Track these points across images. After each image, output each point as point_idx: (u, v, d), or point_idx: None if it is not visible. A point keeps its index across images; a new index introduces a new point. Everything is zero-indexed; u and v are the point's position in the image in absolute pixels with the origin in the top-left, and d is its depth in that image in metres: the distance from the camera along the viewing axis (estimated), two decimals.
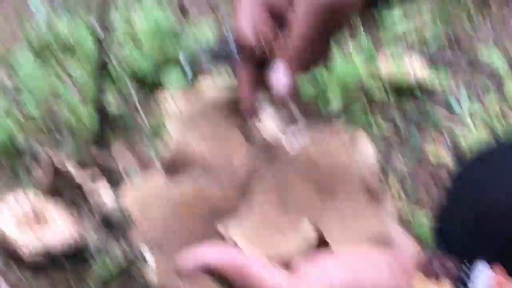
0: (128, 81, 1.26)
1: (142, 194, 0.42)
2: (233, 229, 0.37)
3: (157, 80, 1.27)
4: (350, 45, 1.28)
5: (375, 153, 0.41)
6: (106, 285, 0.87)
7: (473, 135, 1.17)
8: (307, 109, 0.46)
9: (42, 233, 0.87)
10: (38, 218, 0.90)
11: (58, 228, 0.88)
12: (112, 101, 1.18)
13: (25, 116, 1.13)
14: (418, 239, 0.96)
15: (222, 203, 0.40)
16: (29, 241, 0.86)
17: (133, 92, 1.27)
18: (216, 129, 0.44)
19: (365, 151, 0.41)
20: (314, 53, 0.44)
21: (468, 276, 0.35)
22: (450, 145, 1.21)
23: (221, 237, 0.37)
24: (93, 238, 0.90)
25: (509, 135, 1.12)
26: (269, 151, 0.41)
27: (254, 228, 0.38)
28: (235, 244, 0.36)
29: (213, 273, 0.36)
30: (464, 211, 0.59)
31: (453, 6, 1.47)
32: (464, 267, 0.36)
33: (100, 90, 1.05)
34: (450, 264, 0.36)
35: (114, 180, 1.04)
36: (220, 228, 0.38)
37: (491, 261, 0.52)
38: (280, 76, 0.42)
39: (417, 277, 0.35)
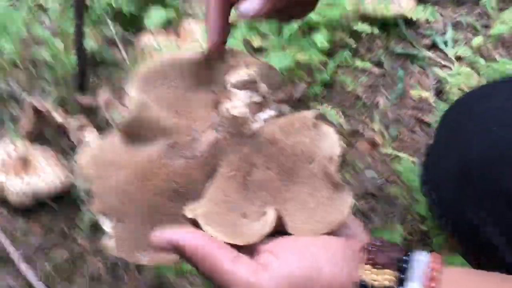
0: (110, 22, 1.23)
1: (100, 156, 0.40)
2: (196, 209, 0.37)
3: (138, 21, 1.24)
4: None
5: (339, 143, 0.41)
6: (95, 226, 0.89)
7: (458, 75, 1.17)
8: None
9: (29, 178, 0.88)
10: (25, 164, 0.90)
11: (45, 173, 0.89)
12: (93, 43, 1.16)
13: (7, 63, 1.11)
14: (404, 185, 0.99)
15: (184, 177, 0.39)
16: (16, 185, 0.87)
17: (114, 31, 1.24)
18: (181, 92, 0.43)
19: (330, 138, 0.41)
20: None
21: (407, 263, 0.37)
22: (434, 85, 1.22)
23: (183, 216, 0.38)
24: (82, 184, 0.91)
25: (493, 74, 1.12)
26: (235, 125, 0.41)
27: (216, 208, 0.38)
28: (198, 225, 0.36)
29: (180, 254, 0.37)
30: (449, 160, 0.58)
31: None
32: (405, 256, 0.37)
33: (80, 34, 1.02)
34: (393, 254, 0.37)
35: (100, 125, 1.04)
36: (184, 209, 0.38)
37: (476, 211, 0.53)
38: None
39: (365, 264, 0.37)
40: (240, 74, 0.43)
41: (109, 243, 0.38)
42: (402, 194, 0.97)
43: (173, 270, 0.82)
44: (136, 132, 0.40)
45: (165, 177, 0.39)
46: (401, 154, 1.03)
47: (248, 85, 0.43)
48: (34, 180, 0.88)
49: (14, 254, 0.83)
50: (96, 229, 0.89)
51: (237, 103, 0.41)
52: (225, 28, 0.47)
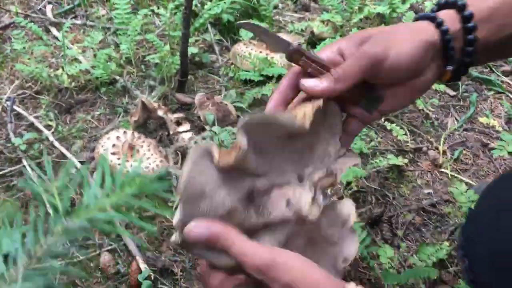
0: (211, 30, 1.41)
1: (196, 180, 0.51)
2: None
3: (234, 30, 1.40)
4: None
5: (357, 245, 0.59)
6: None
7: None
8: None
9: (134, 161, 1.08)
10: (132, 149, 1.10)
11: (147, 159, 1.08)
12: (194, 48, 1.34)
13: (123, 61, 1.32)
14: (456, 204, 1.07)
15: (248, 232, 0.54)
16: (124, 166, 1.07)
17: (213, 38, 1.41)
18: (277, 150, 0.56)
19: (353, 244, 0.59)
20: (351, 90, 0.60)
21: None
22: (506, 113, 1.26)
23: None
24: (175, 170, 1.10)
25: None
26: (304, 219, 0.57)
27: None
28: None
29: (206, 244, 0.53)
30: (487, 240, 0.70)
31: None
32: None
33: (186, 41, 1.19)
34: None
35: (193, 120, 1.22)
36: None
37: None
38: (321, 81, 0.59)
39: None
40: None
41: (175, 233, 0.54)
42: (455, 214, 1.05)
43: None
44: (233, 171, 0.52)
45: (236, 223, 0.53)
46: (460, 176, 1.10)
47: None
48: (138, 163, 1.07)
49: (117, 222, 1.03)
50: None
51: (314, 211, 0.57)
52: (288, 95, 0.60)
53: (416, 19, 0.65)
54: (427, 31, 0.62)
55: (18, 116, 1.24)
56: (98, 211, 0.40)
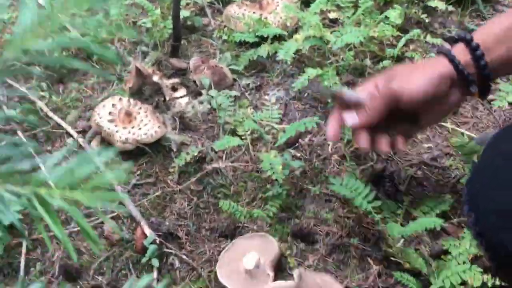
0: None
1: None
2: None
3: None
4: None
5: None
6: (183, 172, 1.06)
7: None
8: None
9: (132, 128, 1.06)
10: (129, 116, 1.08)
11: (144, 125, 1.07)
12: (186, 12, 1.30)
13: (113, 27, 1.29)
14: (457, 157, 1.07)
15: None
16: (122, 133, 1.06)
17: (204, 0, 1.38)
18: None
19: None
20: (379, 126, 0.83)
21: None
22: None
23: None
24: (174, 136, 1.08)
25: None
26: None
27: None
28: None
29: None
30: (493, 193, 0.71)
31: None
32: None
33: (177, 4, 1.16)
34: None
35: (189, 85, 1.20)
36: None
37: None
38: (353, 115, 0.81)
39: None
40: None
41: None
42: (456, 166, 1.05)
43: (245, 215, 0.97)
44: None
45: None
46: (459, 129, 1.10)
47: None
48: (135, 129, 1.06)
49: (118, 188, 1.02)
50: (183, 174, 1.06)
51: None
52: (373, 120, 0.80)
53: (437, 53, 0.83)
54: (443, 65, 0.79)
55: (10, 88, 1.22)
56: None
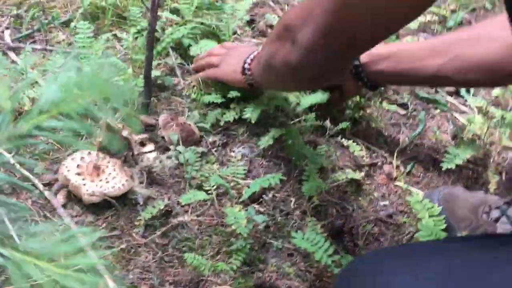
0: (172, 53, 1.44)
1: None
2: None
3: (194, 51, 1.44)
4: None
5: None
6: (148, 226, 1.08)
7: (473, 123, 1.31)
8: None
9: (100, 181, 1.09)
10: (97, 169, 1.11)
11: (112, 179, 1.09)
12: (156, 71, 1.37)
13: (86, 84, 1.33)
14: (411, 214, 1.14)
15: None
16: (89, 186, 1.07)
17: (174, 61, 1.45)
18: None
19: None
20: None
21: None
22: (452, 129, 1.36)
23: None
24: (141, 190, 1.11)
25: (504, 125, 1.25)
26: None
27: None
28: None
29: None
30: None
31: None
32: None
33: (149, 63, 1.22)
34: None
35: (157, 141, 1.24)
36: None
37: None
38: None
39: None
40: None
41: None
42: (410, 223, 1.12)
43: (209, 268, 0.99)
44: None
45: None
46: (412, 188, 1.18)
47: None
48: (103, 183, 1.08)
49: (82, 240, 1.02)
50: (148, 227, 1.07)
51: None
52: None
53: None
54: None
55: None
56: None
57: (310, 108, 1.28)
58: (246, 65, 1.17)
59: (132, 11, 1.45)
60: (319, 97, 1.22)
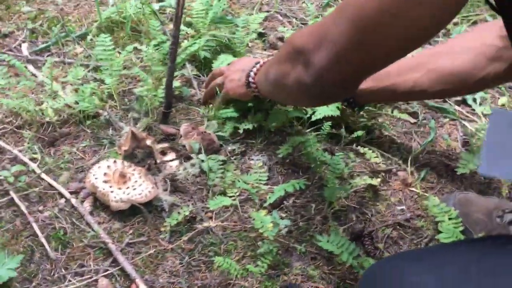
0: (188, 66, 1.48)
1: None
2: None
3: (210, 65, 1.48)
4: None
5: None
6: (174, 231, 1.10)
7: (482, 130, 1.35)
8: None
9: (127, 189, 1.11)
10: (123, 177, 1.13)
11: (139, 186, 1.12)
12: (175, 82, 1.40)
13: (105, 95, 1.37)
14: (428, 218, 1.18)
15: None
16: (117, 194, 1.10)
17: (190, 73, 1.49)
18: None
19: None
20: None
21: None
22: (462, 136, 1.40)
23: None
24: (166, 197, 1.14)
25: None
26: None
27: None
28: None
29: None
30: None
31: None
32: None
33: (171, 74, 1.26)
34: None
35: (178, 149, 1.27)
36: None
37: None
38: None
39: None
40: None
41: None
42: (427, 227, 1.15)
43: (238, 271, 1.02)
44: None
45: None
46: (427, 194, 1.21)
47: None
48: (130, 190, 1.11)
49: (112, 246, 1.05)
50: (174, 233, 1.10)
51: None
52: None
53: None
54: None
55: (0, 150, 1.25)
56: None
57: (324, 117, 1.32)
58: (251, 79, 1.20)
59: (152, 25, 1.49)
60: (333, 110, 1.26)
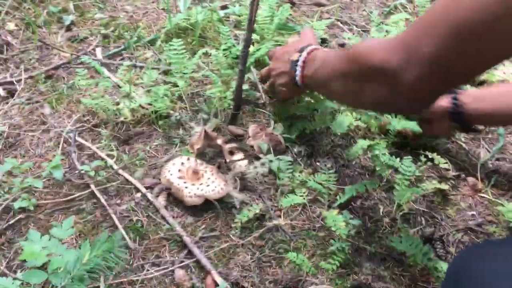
0: (252, 69, 1.52)
1: None
2: None
3: None
4: None
5: None
6: (244, 228, 1.13)
7: None
8: None
9: (201, 185, 1.15)
10: (196, 174, 1.17)
11: (212, 182, 1.16)
12: (244, 85, 1.44)
13: (176, 97, 1.42)
14: (500, 222, 1.16)
15: None
16: (191, 190, 1.14)
17: (256, 77, 1.52)
18: None
19: None
20: None
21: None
22: None
23: None
24: (237, 194, 1.17)
25: None
26: None
27: None
28: None
29: None
30: None
31: None
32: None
33: (242, 77, 1.30)
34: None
35: (246, 149, 1.31)
36: None
37: None
38: None
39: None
40: None
41: None
42: (499, 233, 1.13)
43: (309, 267, 1.03)
44: None
45: None
46: (498, 200, 1.19)
47: None
48: (203, 186, 1.15)
49: (187, 239, 1.09)
50: (244, 229, 1.13)
51: None
52: None
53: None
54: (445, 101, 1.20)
55: (79, 147, 1.31)
56: None
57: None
58: (297, 81, 1.19)
59: (223, 30, 1.55)
60: (413, 125, 1.25)
